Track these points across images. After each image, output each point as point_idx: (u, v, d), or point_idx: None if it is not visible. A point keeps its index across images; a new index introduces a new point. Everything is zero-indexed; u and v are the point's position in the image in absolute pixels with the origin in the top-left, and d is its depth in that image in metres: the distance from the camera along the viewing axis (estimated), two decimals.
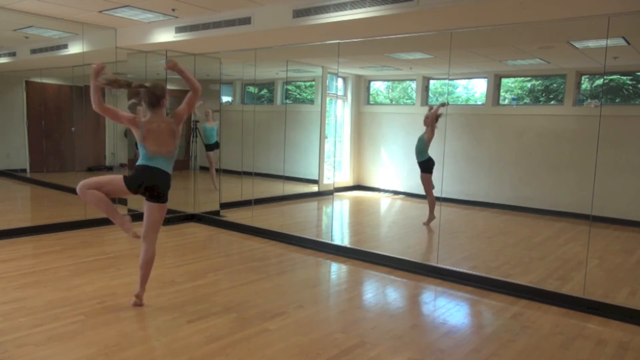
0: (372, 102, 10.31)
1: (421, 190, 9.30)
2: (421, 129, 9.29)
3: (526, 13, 4.07)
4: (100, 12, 5.64)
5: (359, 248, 5.48)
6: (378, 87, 10.42)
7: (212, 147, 8.60)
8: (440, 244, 5.33)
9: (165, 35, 6.09)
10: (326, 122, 9.36)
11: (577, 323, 3.76)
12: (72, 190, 7.54)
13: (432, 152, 9.15)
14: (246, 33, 5.38)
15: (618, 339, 3.48)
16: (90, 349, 3.00)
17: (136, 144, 3.63)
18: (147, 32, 6.28)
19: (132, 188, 3.55)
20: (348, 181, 9.85)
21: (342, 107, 9.96)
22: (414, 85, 9.63)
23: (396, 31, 5.03)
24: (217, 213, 7.14)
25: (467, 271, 4.68)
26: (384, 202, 9.20)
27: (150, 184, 3.56)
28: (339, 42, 5.65)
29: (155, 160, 3.57)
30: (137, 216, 6.75)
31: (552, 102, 8.27)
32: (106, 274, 4.45)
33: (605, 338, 3.50)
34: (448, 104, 6.60)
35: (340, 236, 6.57)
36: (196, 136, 9.03)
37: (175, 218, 6.80)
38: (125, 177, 3.57)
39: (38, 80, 9.04)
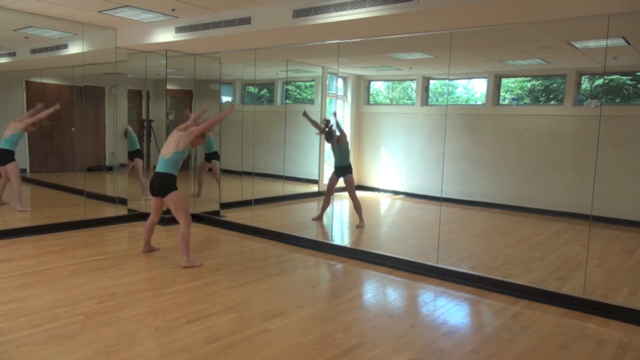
0: (372, 102, 10.31)
1: (421, 190, 9.35)
2: (421, 130, 9.31)
3: (526, 13, 4.07)
4: (100, 12, 5.64)
5: (359, 248, 5.48)
6: (378, 87, 10.43)
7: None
8: (440, 244, 5.33)
9: (165, 35, 6.09)
10: None
11: (577, 323, 3.76)
12: (72, 190, 7.57)
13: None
14: (246, 33, 5.38)
15: (618, 339, 3.48)
16: (90, 349, 3.01)
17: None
18: (147, 32, 6.28)
19: None
20: None
21: (342, 107, 9.97)
22: (414, 85, 9.63)
23: (396, 31, 5.03)
24: (217, 213, 7.15)
25: (467, 271, 4.68)
26: (384, 202, 9.20)
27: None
28: (339, 42, 5.65)
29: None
30: (135, 217, 6.80)
31: (552, 102, 8.27)
32: (106, 274, 4.45)
33: (605, 338, 3.50)
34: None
35: (340, 236, 6.57)
36: None
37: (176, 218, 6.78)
38: None
39: (38, 80, 9.03)
